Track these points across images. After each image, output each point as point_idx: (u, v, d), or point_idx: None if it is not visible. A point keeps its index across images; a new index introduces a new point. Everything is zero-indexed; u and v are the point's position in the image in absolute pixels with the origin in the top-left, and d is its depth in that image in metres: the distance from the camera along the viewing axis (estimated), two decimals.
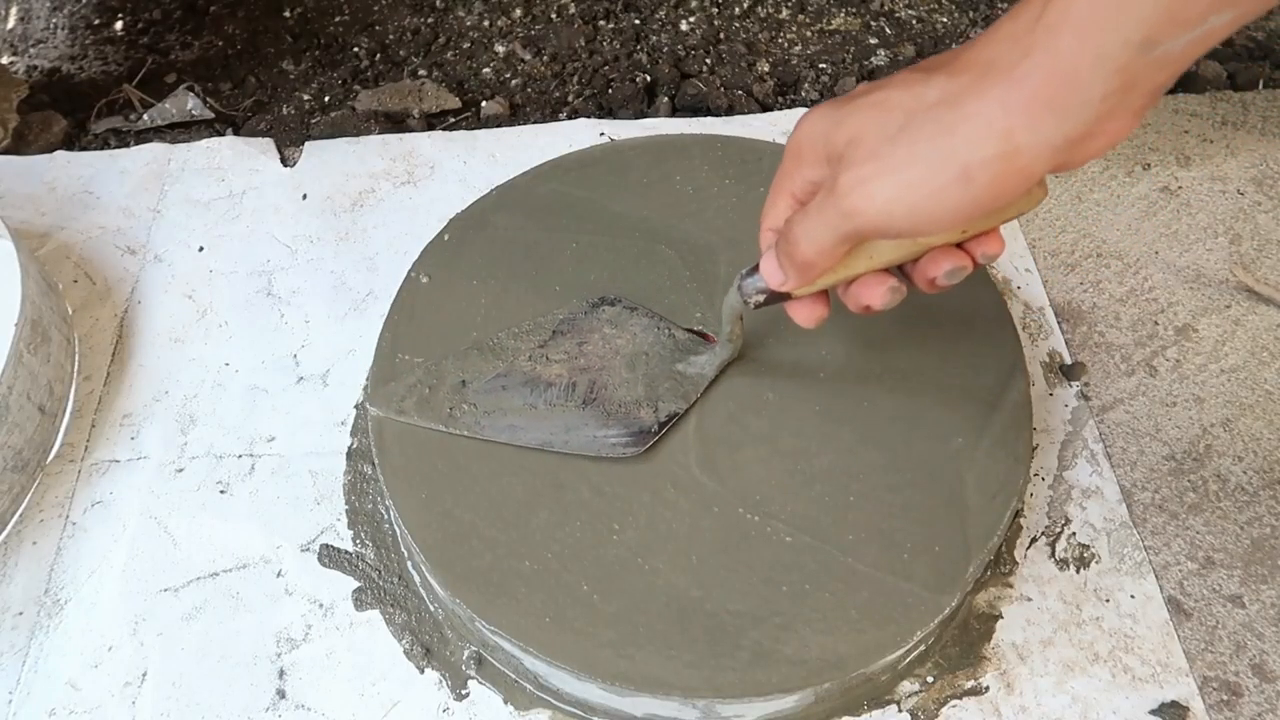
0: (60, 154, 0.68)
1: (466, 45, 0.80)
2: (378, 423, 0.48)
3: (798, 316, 0.40)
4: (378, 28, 0.82)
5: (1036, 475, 0.51)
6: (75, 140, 0.72)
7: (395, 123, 0.72)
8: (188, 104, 0.73)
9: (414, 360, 0.50)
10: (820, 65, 0.78)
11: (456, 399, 0.47)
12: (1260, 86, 0.73)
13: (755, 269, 0.40)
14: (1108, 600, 0.47)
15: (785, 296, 0.39)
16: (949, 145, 0.30)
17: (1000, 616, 0.47)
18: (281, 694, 0.45)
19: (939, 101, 0.30)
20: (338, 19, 0.83)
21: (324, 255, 0.62)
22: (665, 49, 0.79)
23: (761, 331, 0.50)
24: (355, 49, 0.80)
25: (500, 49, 0.80)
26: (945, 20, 0.82)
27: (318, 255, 0.62)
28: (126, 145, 0.71)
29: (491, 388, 0.48)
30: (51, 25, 0.83)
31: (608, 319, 0.50)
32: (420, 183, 0.66)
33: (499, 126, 0.71)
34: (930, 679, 0.45)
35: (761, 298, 0.40)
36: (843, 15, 0.83)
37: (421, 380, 0.48)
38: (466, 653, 0.46)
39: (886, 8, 0.83)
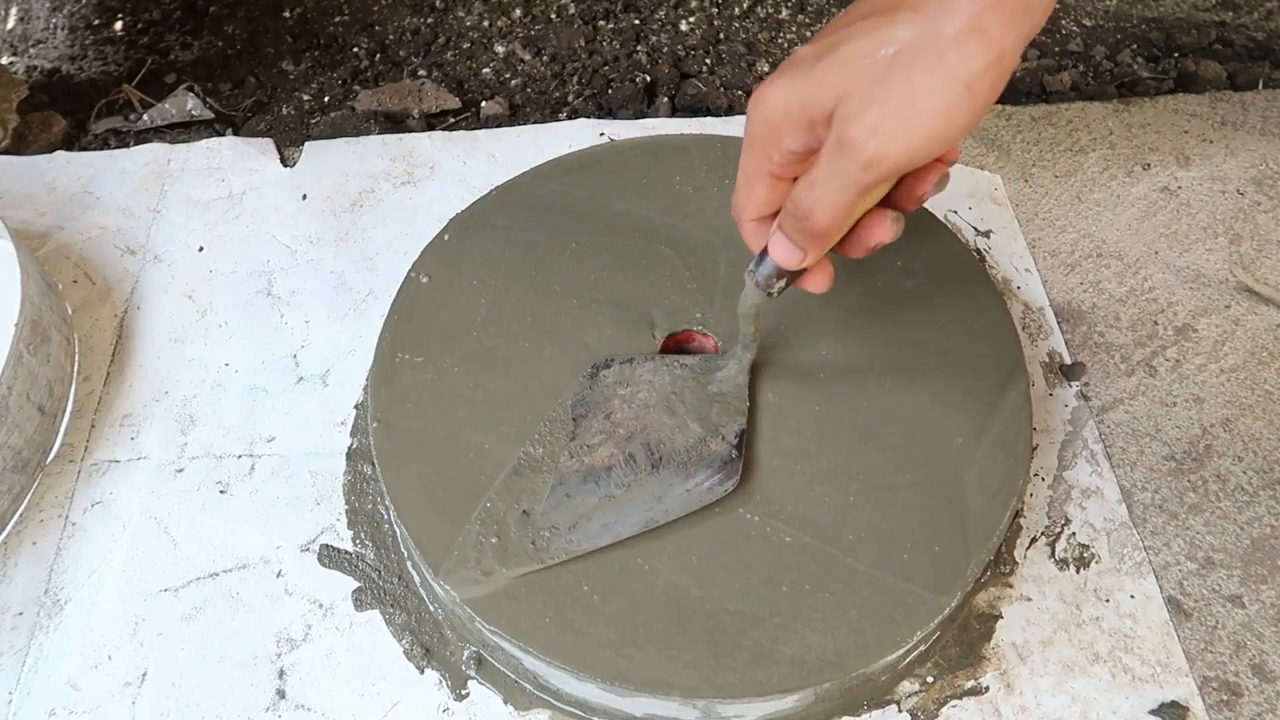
0: (60, 154, 0.68)
1: (466, 45, 0.80)
2: (378, 423, 0.48)
3: (814, 286, 0.40)
4: (378, 28, 0.82)
5: (1036, 475, 0.51)
6: (75, 140, 0.72)
7: (395, 123, 0.72)
8: (187, 104, 0.73)
9: (414, 360, 0.50)
10: None
11: (531, 533, 0.43)
12: (1260, 86, 0.73)
13: (762, 259, 0.40)
14: (1108, 600, 0.47)
15: (799, 273, 0.39)
16: (947, 69, 0.31)
17: (1000, 616, 0.47)
18: (281, 694, 0.45)
19: (920, 35, 0.32)
20: (338, 19, 0.83)
21: (324, 255, 0.62)
22: (665, 49, 0.79)
23: (759, 334, 0.50)
24: (355, 49, 0.80)
25: (500, 49, 0.80)
26: None
27: (318, 255, 0.62)
28: (126, 145, 0.71)
29: (556, 502, 0.44)
30: (51, 25, 0.83)
31: (615, 382, 0.48)
32: (420, 183, 0.66)
33: (499, 127, 0.71)
34: (930, 679, 0.45)
35: (782, 283, 0.40)
36: None
37: (481, 532, 0.43)
38: (466, 653, 0.46)
39: None
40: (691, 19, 0.82)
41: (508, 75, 0.77)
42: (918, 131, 0.32)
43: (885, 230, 0.38)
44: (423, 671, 0.46)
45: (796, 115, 0.35)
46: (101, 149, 0.70)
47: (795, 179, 0.37)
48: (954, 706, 0.44)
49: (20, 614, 0.48)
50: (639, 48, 0.79)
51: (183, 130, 0.72)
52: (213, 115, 0.73)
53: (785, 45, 0.80)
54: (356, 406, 0.55)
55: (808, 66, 0.34)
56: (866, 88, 0.33)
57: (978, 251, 0.61)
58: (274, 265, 0.61)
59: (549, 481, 0.45)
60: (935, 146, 0.33)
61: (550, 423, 0.47)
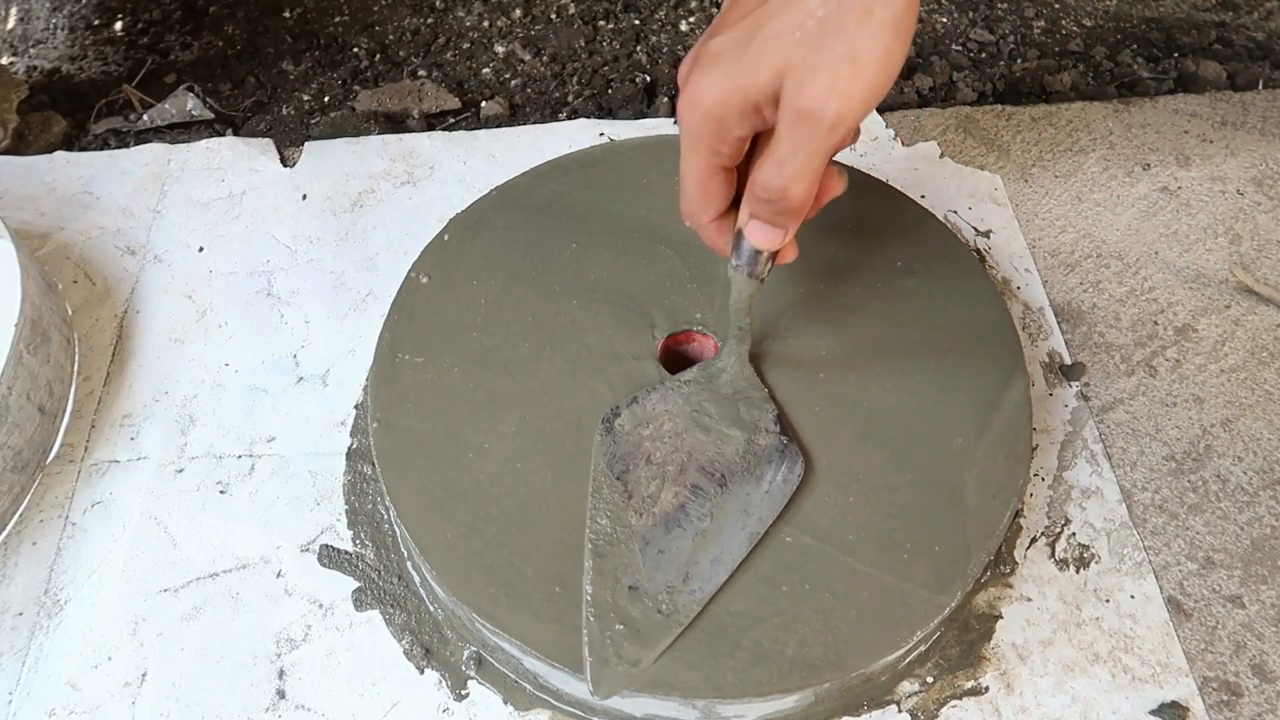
0: (60, 154, 0.68)
1: (466, 45, 0.80)
2: (378, 423, 0.48)
3: (788, 255, 0.42)
4: (378, 28, 0.82)
5: (1036, 475, 0.51)
6: (75, 140, 0.72)
7: (395, 123, 0.73)
8: (187, 104, 0.73)
9: (414, 360, 0.50)
10: None
11: (652, 603, 0.41)
12: (1260, 86, 0.73)
13: (740, 251, 0.40)
14: (1108, 600, 0.47)
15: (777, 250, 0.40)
16: (875, 19, 0.33)
17: (1000, 617, 0.47)
18: (281, 694, 0.45)
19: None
20: (338, 19, 0.83)
21: (324, 255, 0.62)
22: (665, 49, 0.79)
23: (759, 334, 0.50)
24: (355, 49, 0.80)
25: (500, 49, 0.80)
26: (945, 20, 0.82)
27: (318, 255, 0.62)
28: (126, 145, 0.71)
29: (655, 563, 0.42)
30: (51, 25, 0.83)
31: (634, 426, 0.46)
32: (420, 183, 0.66)
33: (499, 127, 0.71)
34: (930, 679, 0.45)
35: (769, 265, 0.40)
36: None
37: (602, 627, 0.40)
38: (466, 653, 0.46)
39: None
40: (691, 19, 0.82)
41: (508, 75, 0.77)
42: (868, 80, 0.34)
43: (838, 183, 0.40)
44: (423, 671, 0.46)
45: (739, 104, 0.36)
46: (101, 149, 0.70)
47: (736, 168, 0.39)
48: (954, 706, 0.44)
49: (20, 614, 0.48)
50: (639, 48, 0.79)
51: (183, 130, 0.73)
52: (213, 115, 0.73)
53: None
54: (356, 406, 0.55)
55: (734, 55, 0.35)
56: (807, 56, 0.34)
57: (978, 251, 0.61)
58: (274, 265, 0.61)
59: (634, 548, 0.43)
60: (883, 90, 0.34)
61: (596, 492, 0.44)
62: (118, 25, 0.83)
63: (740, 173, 0.40)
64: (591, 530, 0.43)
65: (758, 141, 0.39)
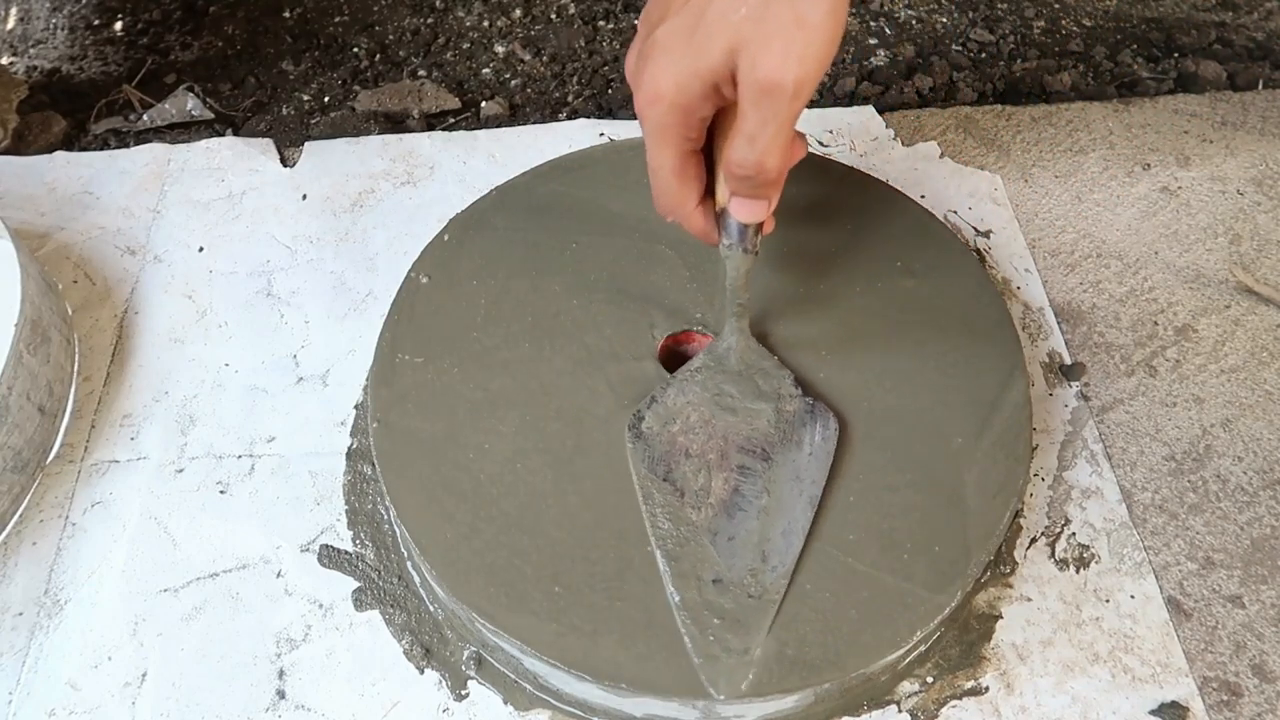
0: (60, 154, 0.68)
1: (466, 45, 0.80)
2: (378, 423, 0.48)
3: (770, 225, 0.43)
4: (378, 28, 0.82)
5: (1036, 475, 0.51)
6: (75, 140, 0.72)
7: (395, 123, 0.73)
8: (187, 104, 0.73)
9: (414, 360, 0.50)
10: None
11: (739, 589, 0.41)
12: (1260, 86, 0.73)
13: (728, 230, 0.41)
14: (1108, 600, 0.47)
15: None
16: None
17: (1000, 617, 0.47)
18: (281, 694, 0.45)
19: None
20: (338, 19, 0.83)
21: (324, 255, 0.62)
22: None
23: (758, 335, 0.50)
24: (355, 49, 0.80)
25: (500, 49, 0.80)
26: (945, 20, 0.82)
27: (318, 255, 0.62)
28: (126, 145, 0.71)
29: (730, 550, 0.42)
30: (51, 26, 0.83)
31: (661, 427, 0.46)
32: (420, 183, 0.66)
33: (499, 127, 0.71)
34: (930, 679, 0.45)
35: (758, 236, 0.42)
36: None
37: (701, 626, 0.40)
38: (466, 653, 0.46)
39: (886, 8, 0.83)
40: None
41: (508, 75, 0.77)
42: (819, 41, 0.35)
43: (801, 147, 0.41)
44: (423, 671, 0.46)
45: (699, 88, 0.37)
46: (101, 149, 0.70)
47: (702, 150, 0.40)
48: (954, 706, 0.44)
49: (20, 614, 0.48)
50: None
51: (183, 130, 0.73)
52: (213, 115, 0.73)
53: None
54: (356, 406, 0.55)
55: (684, 41, 0.36)
56: (756, 30, 0.35)
57: (978, 251, 0.61)
58: (274, 265, 0.61)
59: (704, 542, 0.43)
60: (835, 46, 0.36)
61: (647, 499, 0.44)
62: (118, 25, 0.83)
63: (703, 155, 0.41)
64: (655, 537, 0.43)
65: (716, 120, 0.40)
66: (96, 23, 0.83)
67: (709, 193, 0.42)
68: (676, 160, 0.40)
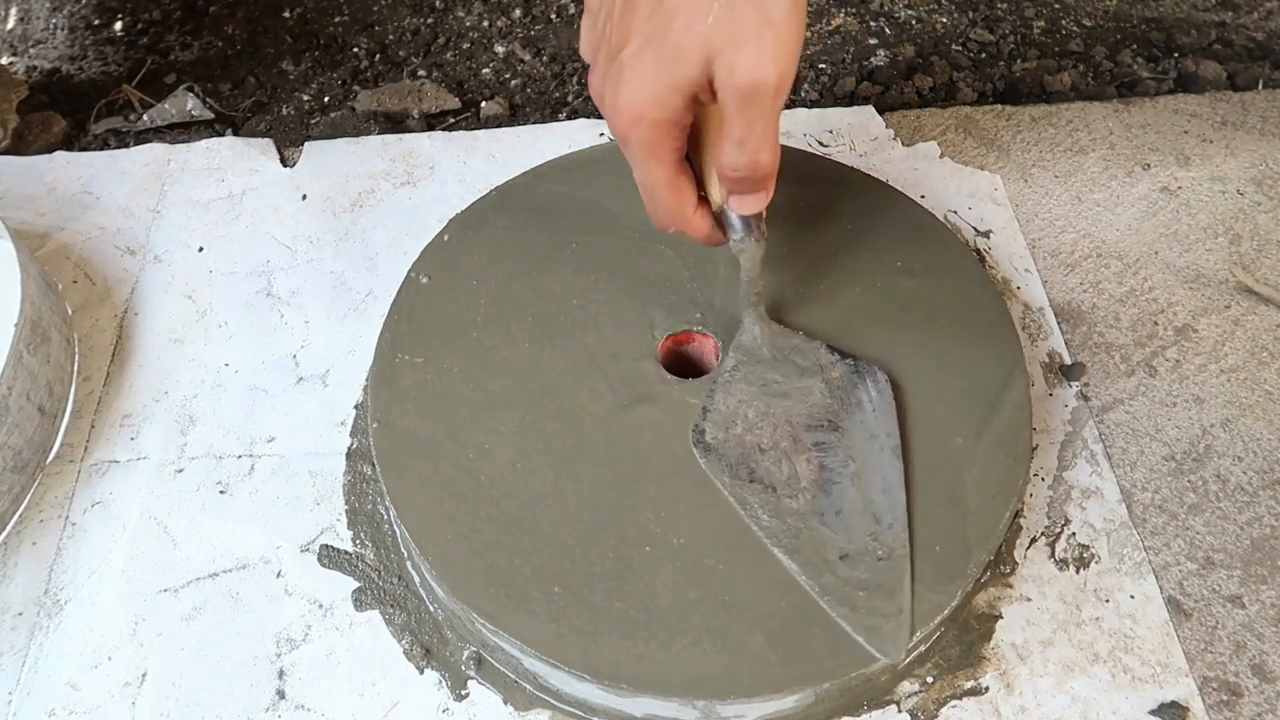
0: (60, 154, 0.68)
1: (466, 45, 0.80)
2: (378, 423, 0.48)
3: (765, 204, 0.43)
4: (377, 28, 0.82)
5: (1036, 475, 0.51)
6: (75, 140, 0.72)
7: (395, 123, 0.73)
8: (187, 104, 0.73)
9: (414, 360, 0.50)
10: (820, 65, 0.78)
11: (868, 556, 0.42)
12: (1260, 86, 0.73)
13: (730, 225, 0.42)
14: (1107, 600, 0.47)
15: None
16: None
17: (1000, 617, 0.47)
18: (281, 694, 0.45)
19: None
20: (338, 19, 0.83)
21: (324, 256, 0.62)
22: None
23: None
24: (355, 49, 0.80)
25: (500, 49, 0.80)
26: (945, 20, 0.82)
27: (318, 255, 0.62)
28: (126, 146, 0.71)
29: (842, 523, 0.43)
30: (51, 25, 0.83)
31: (725, 434, 0.46)
32: (420, 183, 0.66)
33: (499, 127, 0.71)
34: (930, 679, 0.45)
35: (763, 222, 0.42)
36: (843, 15, 0.83)
37: (849, 602, 0.41)
38: (466, 653, 0.46)
39: (886, 8, 0.83)
40: None
41: (508, 75, 0.77)
42: (789, 35, 0.35)
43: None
44: (422, 672, 0.46)
45: (679, 101, 0.37)
46: (101, 149, 0.70)
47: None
48: (954, 706, 0.44)
49: (20, 614, 0.48)
50: None
51: (183, 130, 0.73)
52: (213, 115, 0.73)
53: None
54: (356, 406, 0.55)
55: (654, 58, 0.36)
56: (727, 36, 0.35)
57: (978, 251, 0.61)
58: (274, 265, 0.61)
59: (815, 525, 0.43)
60: (802, 38, 0.36)
61: (744, 505, 0.44)
62: (118, 25, 0.83)
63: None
64: (768, 537, 0.43)
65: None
66: (96, 23, 0.83)
67: (701, 196, 0.42)
68: (668, 173, 0.40)
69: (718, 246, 0.44)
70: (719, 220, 0.43)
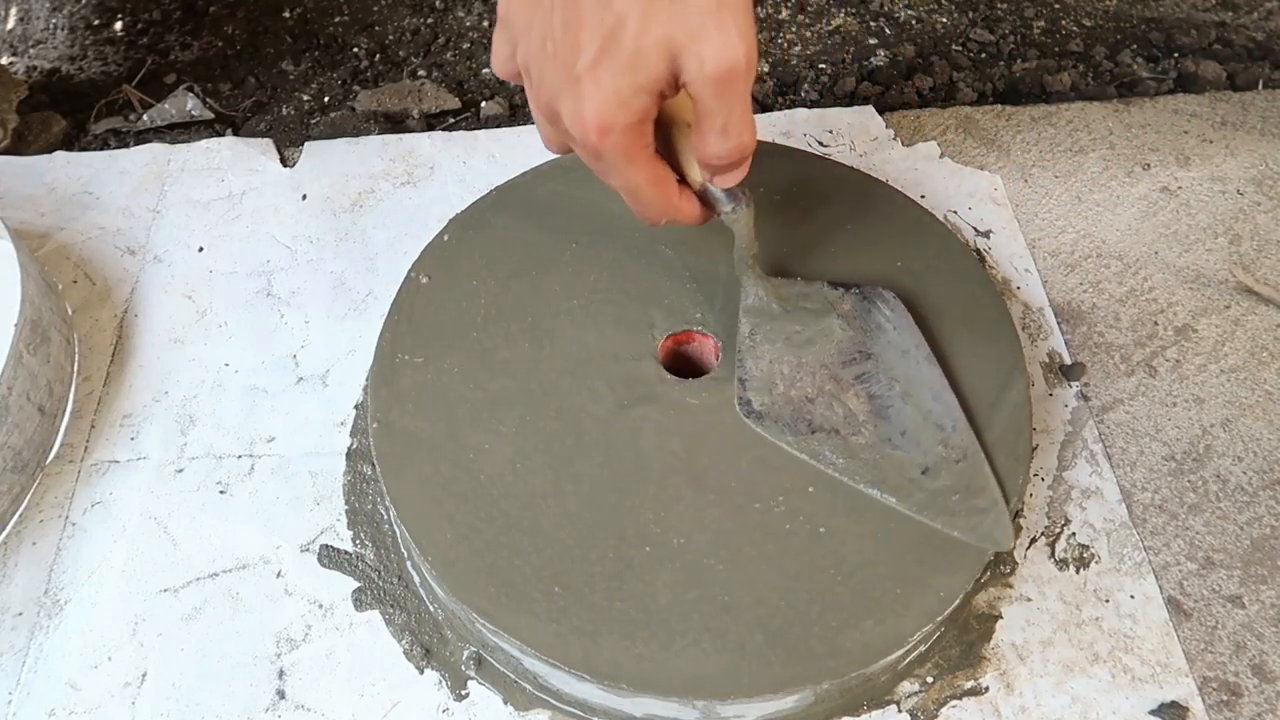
0: (60, 154, 0.68)
1: (466, 45, 0.80)
2: (378, 423, 0.48)
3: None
4: (377, 28, 0.82)
5: (1036, 475, 0.51)
6: (75, 141, 0.72)
7: (395, 123, 0.72)
8: (187, 104, 0.73)
9: (414, 360, 0.50)
10: (820, 65, 0.78)
11: (945, 461, 0.44)
12: (1260, 86, 0.73)
13: (718, 199, 0.42)
14: (1107, 600, 0.47)
15: None
16: None
17: (1000, 617, 0.47)
18: (281, 694, 0.45)
19: None
20: (338, 19, 0.83)
21: (324, 256, 0.62)
22: None
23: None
24: (355, 49, 0.80)
25: None
26: (945, 20, 0.82)
27: (318, 256, 0.62)
28: (126, 146, 0.71)
29: (914, 441, 0.45)
30: (51, 26, 0.83)
31: (769, 391, 0.46)
32: (420, 183, 0.66)
33: (499, 127, 0.71)
34: (930, 679, 0.45)
35: (747, 190, 0.43)
36: (843, 15, 0.83)
37: (960, 505, 0.43)
38: (466, 653, 0.46)
39: (886, 8, 0.83)
40: None
41: None
42: (743, 11, 0.35)
43: None
44: (422, 672, 0.46)
45: (646, 101, 0.37)
46: (101, 149, 0.70)
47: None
48: (954, 706, 0.44)
49: (20, 614, 0.48)
50: None
51: (183, 130, 0.73)
52: (213, 115, 0.73)
53: (785, 45, 0.80)
54: (356, 407, 0.55)
55: (613, 66, 0.36)
56: (685, 29, 0.35)
57: (978, 251, 0.61)
58: (274, 265, 0.61)
59: (887, 452, 0.45)
60: (752, 15, 0.36)
61: (818, 457, 0.45)
62: (118, 25, 0.83)
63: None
64: (855, 480, 0.44)
65: None
66: (96, 23, 0.83)
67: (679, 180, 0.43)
68: (648, 171, 0.40)
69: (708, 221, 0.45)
70: (703, 199, 0.43)
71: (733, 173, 0.41)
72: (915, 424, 0.45)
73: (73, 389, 0.55)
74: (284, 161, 0.68)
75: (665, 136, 0.42)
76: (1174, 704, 0.44)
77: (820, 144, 0.67)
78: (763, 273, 0.49)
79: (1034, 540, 0.49)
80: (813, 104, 0.74)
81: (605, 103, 0.36)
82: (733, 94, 0.36)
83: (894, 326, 0.48)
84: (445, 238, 0.55)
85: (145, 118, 0.73)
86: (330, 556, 0.49)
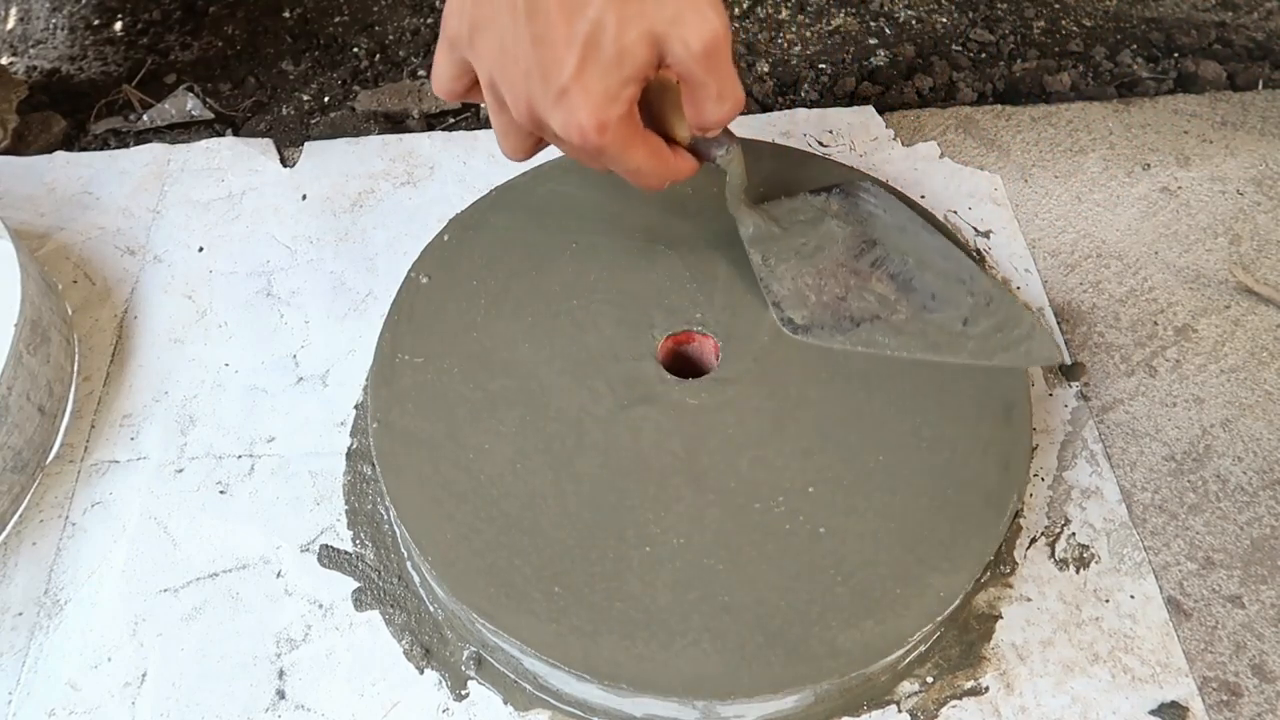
0: (60, 154, 0.68)
1: None
2: (378, 423, 0.48)
3: None
4: (378, 28, 0.82)
5: (1036, 475, 0.51)
6: (75, 141, 0.72)
7: (395, 123, 0.72)
8: (187, 104, 0.73)
9: (414, 360, 0.50)
10: (820, 65, 0.78)
11: (979, 307, 0.49)
12: (1260, 86, 0.73)
13: (708, 146, 0.44)
14: (1107, 600, 0.47)
15: None
16: None
17: (1000, 617, 0.47)
18: (281, 694, 0.45)
19: None
20: (338, 19, 0.83)
21: (324, 256, 0.62)
22: None
23: (761, 349, 0.50)
24: (355, 49, 0.80)
25: None
26: (945, 20, 0.82)
27: (317, 256, 0.62)
28: (126, 146, 0.71)
29: (946, 299, 0.49)
30: (51, 26, 0.83)
31: (803, 305, 0.49)
32: (420, 183, 0.66)
33: None
34: (930, 679, 0.45)
35: (730, 130, 0.45)
36: (843, 15, 0.83)
37: (1015, 326, 0.49)
38: (466, 653, 0.46)
39: (886, 8, 0.83)
40: None
41: None
42: None
43: None
44: (422, 672, 0.46)
45: (633, 90, 0.38)
46: (101, 149, 0.70)
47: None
48: (954, 707, 0.44)
49: (20, 614, 0.48)
50: None
51: (183, 130, 0.73)
52: (213, 115, 0.73)
53: (785, 45, 0.80)
54: (356, 407, 0.55)
55: (598, 70, 0.37)
56: (664, 17, 0.36)
57: (978, 251, 0.61)
58: (274, 265, 0.61)
59: (927, 319, 0.49)
60: None
61: (886, 348, 0.49)
62: (118, 25, 0.83)
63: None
64: (907, 352, 0.48)
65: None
66: (96, 23, 0.83)
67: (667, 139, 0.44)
68: (646, 148, 0.41)
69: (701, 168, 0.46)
70: (693, 150, 0.45)
71: (729, 119, 0.42)
72: (940, 286, 0.49)
73: (73, 389, 0.55)
74: (284, 161, 0.68)
75: (644, 103, 0.43)
76: (1174, 704, 0.44)
77: (820, 144, 0.67)
78: (752, 203, 0.50)
79: (1034, 540, 0.49)
80: (813, 104, 0.74)
81: (596, 104, 0.37)
82: (720, 62, 0.37)
83: (884, 209, 0.52)
84: (445, 238, 0.55)
85: (145, 118, 0.73)
86: (330, 556, 0.49)
